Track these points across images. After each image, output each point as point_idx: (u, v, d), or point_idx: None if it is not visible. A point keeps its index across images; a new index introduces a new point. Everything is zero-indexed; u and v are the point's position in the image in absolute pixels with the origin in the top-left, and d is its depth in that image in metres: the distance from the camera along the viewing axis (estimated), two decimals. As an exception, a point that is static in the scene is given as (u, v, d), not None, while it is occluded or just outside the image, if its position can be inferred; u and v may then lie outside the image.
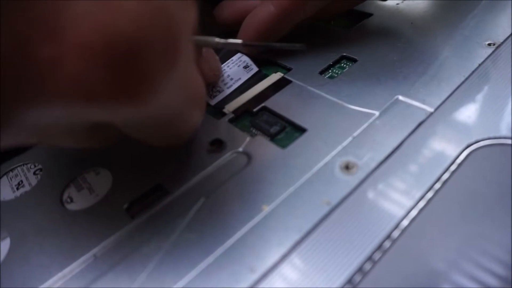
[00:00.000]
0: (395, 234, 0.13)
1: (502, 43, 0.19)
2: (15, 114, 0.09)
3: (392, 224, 0.13)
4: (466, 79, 0.18)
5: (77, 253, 0.14)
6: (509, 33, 0.20)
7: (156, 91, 0.10)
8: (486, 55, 0.19)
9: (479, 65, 0.18)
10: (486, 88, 0.17)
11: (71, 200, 0.16)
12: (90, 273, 0.13)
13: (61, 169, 0.18)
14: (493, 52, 0.19)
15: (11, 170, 0.18)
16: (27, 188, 0.17)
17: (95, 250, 0.14)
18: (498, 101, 0.16)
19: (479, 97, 0.17)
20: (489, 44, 0.19)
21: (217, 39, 0.15)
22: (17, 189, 0.17)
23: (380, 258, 0.12)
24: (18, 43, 0.08)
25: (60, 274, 0.13)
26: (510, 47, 0.19)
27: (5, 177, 0.18)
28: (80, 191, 0.16)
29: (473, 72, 0.18)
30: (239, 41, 0.17)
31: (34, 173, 0.18)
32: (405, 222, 0.13)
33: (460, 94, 0.17)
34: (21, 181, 0.18)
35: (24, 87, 0.08)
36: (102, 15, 0.08)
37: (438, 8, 0.23)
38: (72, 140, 0.12)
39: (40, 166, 0.18)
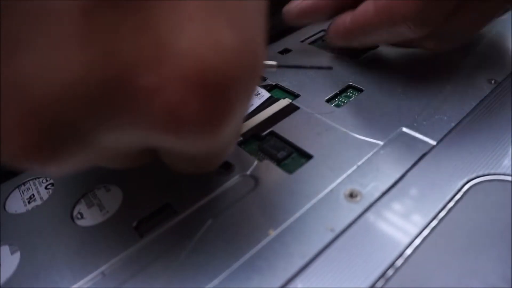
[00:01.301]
0: (399, 262, 0.13)
1: (503, 80, 0.20)
2: (98, 136, 0.09)
3: (395, 252, 0.13)
4: (468, 114, 0.18)
5: (86, 270, 0.14)
6: (510, 71, 0.20)
7: (232, 123, 0.10)
8: (487, 92, 0.19)
9: (481, 101, 0.19)
10: (487, 124, 0.18)
11: (81, 216, 0.17)
12: (98, 290, 0.14)
13: (72, 184, 0.18)
14: (494, 89, 0.20)
15: (23, 184, 0.19)
16: (38, 202, 0.18)
17: (103, 268, 0.14)
18: (498, 137, 0.17)
19: (480, 132, 0.17)
20: (491, 81, 0.20)
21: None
22: (29, 202, 0.18)
23: (383, 286, 0.12)
24: (122, 66, 0.08)
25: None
26: (511, 85, 0.20)
27: (17, 190, 0.18)
28: (91, 208, 0.17)
29: (475, 107, 0.19)
30: (274, 63, 0.17)
31: (46, 188, 0.18)
32: (408, 251, 0.13)
33: (461, 128, 0.18)
34: (33, 195, 0.18)
35: (116, 111, 0.09)
36: (202, 50, 0.09)
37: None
38: (118, 162, 0.12)
39: (51, 181, 0.18)
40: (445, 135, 0.17)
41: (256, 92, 0.21)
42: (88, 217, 0.16)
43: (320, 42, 0.27)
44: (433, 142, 0.17)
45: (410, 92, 0.20)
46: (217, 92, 0.09)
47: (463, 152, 0.16)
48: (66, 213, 0.17)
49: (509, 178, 0.15)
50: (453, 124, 0.18)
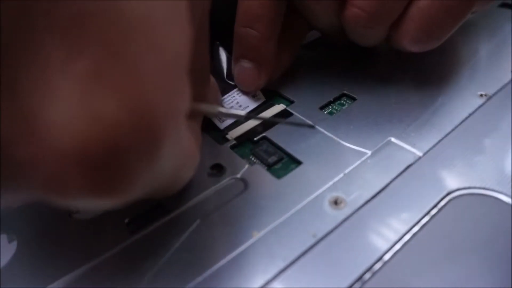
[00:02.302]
0: (377, 266, 0.14)
1: (494, 94, 0.20)
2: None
3: (374, 257, 0.14)
4: (456, 127, 0.19)
5: (78, 263, 0.15)
6: (501, 86, 0.21)
7: (136, 182, 0.10)
8: (477, 106, 0.20)
9: (470, 114, 0.19)
10: (472, 138, 0.18)
11: (77, 210, 0.17)
12: (86, 284, 0.14)
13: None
14: (484, 103, 0.20)
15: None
16: (37, 194, 0.18)
17: (94, 262, 0.15)
18: (483, 151, 0.17)
19: (465, 146, 0.18)
20: (481, 95, 0.21)
21: (219, 109, 0.16)
22: (28, 195, 0.18)
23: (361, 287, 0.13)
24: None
25: (60, 281, 0.14)
26: (500, 99, 0.20)
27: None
28: (86, 202, 0.18)
29: (463, 121, 0.19)
30: (242, 112, 0.16)
31: (45, 181, 0.19)
32: (386, 256, 0.14)
33: (448, 141, 0.18)
34: (32, 187, 0.19)
35: (4, 177, 0.09)
36: (78, 122, 0.08)
37: (439, 56, 0.24)
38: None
39: (51, 175, 0.19)
40: (431, 148, 0.18)
41: (253, 94, 0.22)
42: (84, 211, 0.17)
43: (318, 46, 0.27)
44: (420, 153, 0.18)
45: (402, 103, 0.21)
46: (101, 163, 0.09)
47: (447, 164, 0.17)
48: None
49: (490, 193, 0.15)
50: (440, 137, 0.18)
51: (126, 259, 0.15)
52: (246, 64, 0.21)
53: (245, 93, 0.22)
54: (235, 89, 0.22)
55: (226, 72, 0.24)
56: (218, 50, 0.25)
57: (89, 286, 0.14)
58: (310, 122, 0.19)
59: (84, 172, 0.08)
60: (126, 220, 0.16)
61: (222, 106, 0.22)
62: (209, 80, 0.18)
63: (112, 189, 0.09)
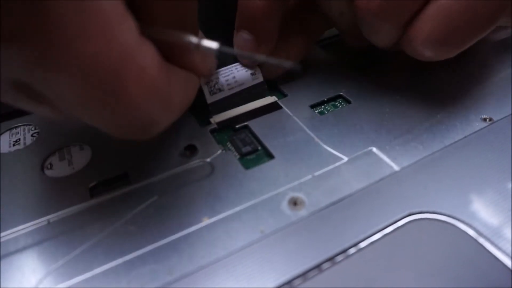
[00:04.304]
0: (311, 274, 0.13)
1: (499, 120, 0.19)
2: None
3: (311, 264, 0.13)
4: (445, 147, 0.18)
5: (36, 215, 0.16)
6: (509, 112, 0.19)
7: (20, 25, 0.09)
8: (476, 129, 0.18)
9: (465, 137, 0.18)
10: (457, 162, 0.17)
11: (51, 167, 0.18)
12: (39, 235, 0.15)
13: (54, 137, 0.20)
14: (484, 127, 0.19)
15: (15, 127, 0.21)
16: (21, 146, 0.19)
17: (50, 216, 0.16)
18: (461, 179, 0.16)
19: (446, 169, 0.16)
20: (485, 119, 0.19)
21: (190, 38, 0.14)
22: (13, 145, 0.19)
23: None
24: None
25: (16, 228, 0.15)
26: (502, 126, 0.18)
27: (8, 132, 0.20)
28: (61, 161, 0.18)
29: (454, 142, 0.18)
30: (214, 44, 0.14)
31: (32, 135, 0.20)
32: (324, 265, 0.13)
33: (430, 161, 0.17)
34: (19, 139, 0.20)
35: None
36: None
37: (449, 72, 0.22)
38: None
39: (38, 130, 0.20)
40: (410, 164, 0.17)
41: (252, 71, 0.21)
42: (56, 169, 0.18)
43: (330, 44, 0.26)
44: (397, 168, 0.17)
45: (396, 113, 0.20)
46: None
47: (420, 184, 0.16)
48: (39, 162, 0.18)
49: (453, 221, 0.14)
50: (425, 155, 0.17)
51: (78, 221, 0.15)
52: (245, 35, 0.20)
53: (244, 69, 0.21)
54: (236, 63, 0.22)
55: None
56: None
57: (39, 237, 0.15)
58: (291, 63, 0.17)
59: None
60: (91, 185, 0.17)
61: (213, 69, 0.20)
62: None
63: None
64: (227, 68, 0.21)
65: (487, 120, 0.19)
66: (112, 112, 0.12)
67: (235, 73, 0.21)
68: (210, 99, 0.20)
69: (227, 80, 0.21)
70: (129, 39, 0.11)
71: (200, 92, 0.20)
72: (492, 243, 0.14)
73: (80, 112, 0.12)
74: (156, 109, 0.12)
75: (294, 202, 0.16)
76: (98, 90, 0.11)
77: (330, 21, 0.22)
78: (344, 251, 0.14)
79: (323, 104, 0.21)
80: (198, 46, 0.14)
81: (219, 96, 0.21)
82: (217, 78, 0.21)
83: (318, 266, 0.13)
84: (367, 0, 0.17)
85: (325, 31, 0.24)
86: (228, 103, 0.21)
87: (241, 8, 0.20)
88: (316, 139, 0.19)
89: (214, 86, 0.21)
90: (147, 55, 0.12)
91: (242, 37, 0.20)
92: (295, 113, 0.20)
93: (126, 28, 0.11)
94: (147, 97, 0.12)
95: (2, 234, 0.15)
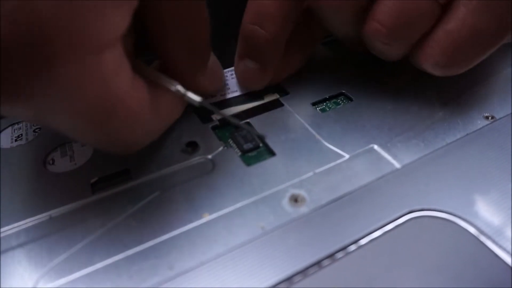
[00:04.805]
0: (310, 271, 0.13)
1: (501, 118, 0.19)
2: None
3: (310, 261, 0.13)
4: (447, 145, 0.18)
5: (38, 210, 0.16)
6: (510, 111, 0.19)
7: (25, 89, 0.11)
8: (478, 127, 0.18)
9: (467, 134, 0.18)
10: (459, 160, 0.17)
11: (53, 163, 0.18)
12: (40, 230, 0.15)
13: (57, 133, 0.20)
14: (486, 125, 0.18)
15: (17, 123, 0.21)
16: (23, 142, 0.19)
17: (52, 212, 0.16)
18: (463, 176, 0.16)
19: (446, 166, 0.16)
20: (487, 117, 0.19)
21: (177, 86, 0.16)
22: (15, 140, 0.19)
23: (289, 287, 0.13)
24: None
25: (18, 223, 0.15)
26: (505, 124, 0.18)
27: (10, 127, 0.20)
28: (63, 157, 0.18)
29: (456, 140, 0.18)
30: (198, 98, 0.16)
31: (34, 131, 0.20)
32: (325, 262, 0.13)
33: (432, 158, 0.17)
34: (21, 134, 0.20)
35: None
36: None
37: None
38: None
39: (40, 126, 0.20)
40: (412, 162, 0.17)
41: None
42: (58, 165, 0.18)
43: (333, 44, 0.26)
44: (398, 166, 0.17)
45: (399, 111, 0.20)
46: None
47: (421, 182, 0.16)
48: (41, 157, 0.18)
49: (454, 219, 0.14)
50: (426, 152, 0.17)
51: (79, 216, 0.15)
52: (250, 64, 0.20)
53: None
54: (230, 69, 0.22)
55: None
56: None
57: (41, 232, 0.15)
58: (260, 133, 0.18)
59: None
60: (92, 181, 0.17)
61: (221, 90, 0.21)
62: (205, 59, 0.18)
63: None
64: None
65: (489, 118, 0.19)
66: (100, 139, 0.14)
67: (229, 80, 0.22)
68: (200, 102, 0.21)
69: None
70: (122, 87, 0.13)
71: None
72: (493, 241, 0.14)
73: (72, 135, 0.15)
74: (139, 137, 0.15)
75: (295, 199, 0.16)
76: (91, 124, 0.13)
77: (333, 35, 0.22)
78: (345, 248, 0.14)
79: (325, 102, 0.21)
80: (184, 96, 0.16)
81: (211, 101, 0.21)
82: None
83: (318, 263, 0.13)
84: (376, 25, 0.17)
85: (323, 38, 0.24)
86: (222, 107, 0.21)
87: (245, 35, 0.19)
88: (318, 137, 0.19)
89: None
90: (136, 97, 0.14)
91: (246, 66, 0.20)
92: (297, 111, 0.20)
93: (121, 77, 0.13)
94: (132, 130, 0.14)
95: (4, 229, 0.15)
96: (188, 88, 0.16)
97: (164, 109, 0.16)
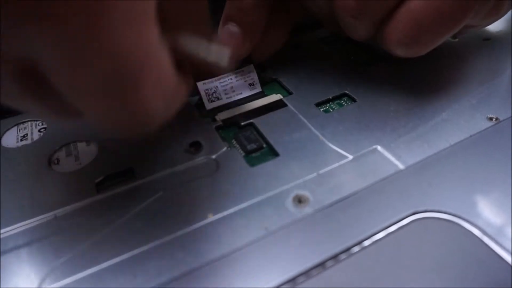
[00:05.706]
0: (314, 272, 0.13)
1: (505, 120, 0.19)
2: None
3: (314, 262, 0.13)
4: (450, 146, 0.18)
5: (43, 209, 0.16)
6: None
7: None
8: (482, 128, 0.18)
9: (470, 136, 0.18)
10: (463, 161, 0.17)
11: (58, 162, 0.18)
12: (45, 229, 0.15)
13: (61, 133, 0.20)
14: (490, 126, 0.18)
15: (23, 123, 0.21)
16: (28, 141, 0.19)
17: (57, 211, 0.16)
18: (467, 177, 0.16)
19: (452, 168, 0.16)
20: (491, 118, 0.19)
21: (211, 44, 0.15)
22: (21, 140, 0.20)
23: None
24: None
25: (23, 223, 0.15)
26: (508, 125, 0.18)
27: (15, 127, 0.20)
28: (68, 156, 0.18)
29: (460, 141, 0.18)
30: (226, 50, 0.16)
31: (39, 131, 0.20)
32: (328, 263, 0.13)
33: (436, 159, 0.17)
34: (26, 134, 0.20)
35: None
36: None
37: (456, 71, 0.22)
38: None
39: (45, 125, 0.20)
40: (416, 163, 0.17)
41: (251, 82, 0.22)
42: (63, 164, 0.18)
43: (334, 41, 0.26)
44: (402, 167, 0.17)
45: (402, 112, 0.20)
46: None
47: (425, 183, 0.16)
48: (46, 157, 0.18)
49: (457, 220, 0.14)
50: (430, 153, 0.17)
51: (84, 216, 0.16)
52: (232, 28, 0.20)
53: (242, 79, 0.22)
54: (234, 72, 0.22)
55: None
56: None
57: (46, 232, 0.15)
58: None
59: None
60: (97, 180, 0.17)
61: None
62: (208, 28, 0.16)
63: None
64: (225, 77, 0.22)
65: (493, 119, 0.19)
66: (119, 104, 0.12)
67: (234, 83, 0.22)
68: (208, 106, 0.21)
69: (225, 90, 0.21)
70: (156, 42, 0.12)
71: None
72: (497, 242, 0.14)
73: (83, 101, 0.12)
74: (159, 109, 0.13)
75: (299, 200, 0.16)
76: (114, 80, 0.11)
77: (310, 12, 0.22)
78: (348, 249, 0.14)
79: (328, 102, 0.21)
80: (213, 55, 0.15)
81: (216, 104, 0.21)
82: (216, 86, 0.21)
83: (322, 264, 0.13)
84: (344, 0, 0.18)
85: (303, 16, 0.24)
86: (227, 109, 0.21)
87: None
88: (321, 137, 0.19)
89: (212, 94, 0.21)
90: (166, 60, 0.12)
91: (228, 30, 0.20)
92: (300, 111, 0.20)
93: (156, 31, 0.11)
94: (155, 97, 0.12)
95: (9, 228, 0.15)
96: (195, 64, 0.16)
97: (180, 87, 0.15)
